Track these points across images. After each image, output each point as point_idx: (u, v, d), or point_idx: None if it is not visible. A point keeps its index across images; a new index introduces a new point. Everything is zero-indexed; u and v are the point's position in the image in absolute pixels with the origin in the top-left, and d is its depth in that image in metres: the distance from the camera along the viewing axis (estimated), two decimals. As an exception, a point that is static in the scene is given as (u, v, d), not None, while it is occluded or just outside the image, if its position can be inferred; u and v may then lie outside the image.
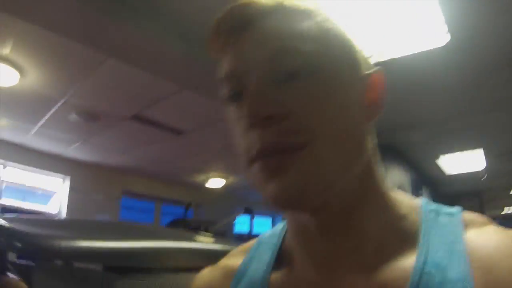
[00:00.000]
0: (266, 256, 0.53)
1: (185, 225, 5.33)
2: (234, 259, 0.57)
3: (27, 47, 3.16)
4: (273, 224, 10.12)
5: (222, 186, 7.53)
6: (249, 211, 6.99)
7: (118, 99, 4.12)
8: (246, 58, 0.42)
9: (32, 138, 5.33)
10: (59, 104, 4.18)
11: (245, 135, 0.42)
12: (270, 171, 0.40)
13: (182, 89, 3.73)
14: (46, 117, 4.54)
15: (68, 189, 6.32)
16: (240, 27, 0.44)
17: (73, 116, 4.37)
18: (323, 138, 0.40)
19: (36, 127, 4.90)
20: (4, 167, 5.77)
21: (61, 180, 6.42)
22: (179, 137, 5.09)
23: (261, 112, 0.39)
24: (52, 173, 6.26)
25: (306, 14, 0.43)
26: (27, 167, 5.97)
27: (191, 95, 3.84)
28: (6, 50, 3.18)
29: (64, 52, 3.19)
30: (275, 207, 0.41)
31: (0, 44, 3.09)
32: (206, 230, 5.04)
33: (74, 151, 5.89)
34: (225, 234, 6.73)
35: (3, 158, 5.68)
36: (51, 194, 6.44)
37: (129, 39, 2.90)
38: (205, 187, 7.56)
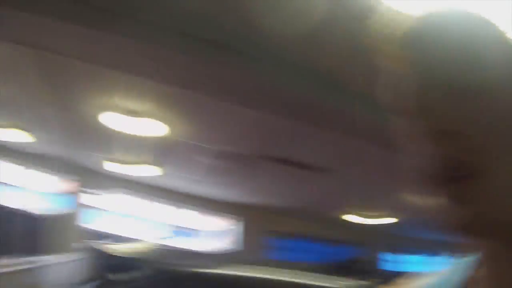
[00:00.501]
0: None
1: (357, 266, 5.00)
2: None
3: (169, 105, 3.51)
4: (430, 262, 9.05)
5: (387, 223, 6.95)
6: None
7: (262, 143, 4.26)
8: (424, 69, 0.41)
9: (192, 184, 5.89)
10: (214, 152, 4.48)
11: (418, 151, 0.40)
12: (461, 195, 0.37)
13: (320, 129, 3.64)
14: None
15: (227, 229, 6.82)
16: (426, 37, 0.42)
17: (222, 162, 4.60)
18: (499, 163, 0.38)
19: (197, 176, 5.35)
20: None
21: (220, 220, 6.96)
22: (328, 176, 4.93)
23: (436, 126, 0.38)
24: (223, 215, 6.87)
25: (490, 28, 0.41)
26: (193, 209, 6.65)
27: (330, 135, 3.71)
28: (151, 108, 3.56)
29: (203, 106, 3.46)
30: (466, 234, 0.40)
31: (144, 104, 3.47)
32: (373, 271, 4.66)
33: (240, 194, 6.31)
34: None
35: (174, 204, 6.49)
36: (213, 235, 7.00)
37: (259, 87, 2.99)
38: (369, 224, 7.05)
